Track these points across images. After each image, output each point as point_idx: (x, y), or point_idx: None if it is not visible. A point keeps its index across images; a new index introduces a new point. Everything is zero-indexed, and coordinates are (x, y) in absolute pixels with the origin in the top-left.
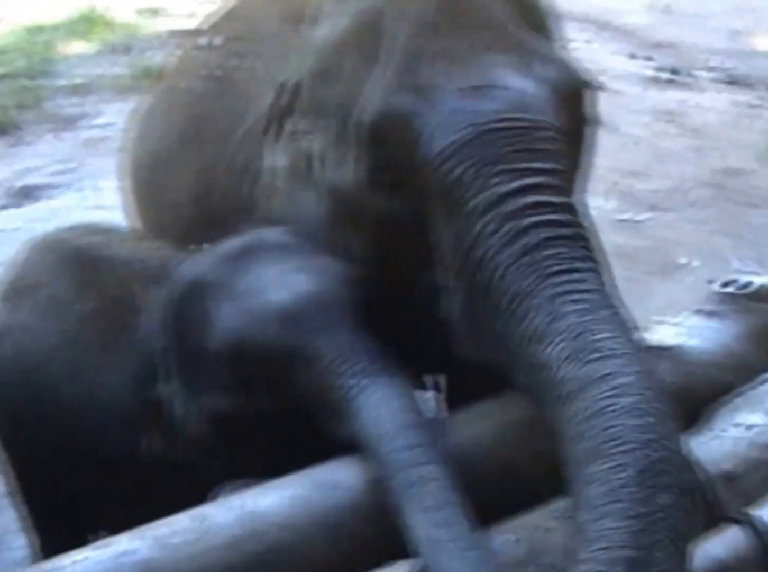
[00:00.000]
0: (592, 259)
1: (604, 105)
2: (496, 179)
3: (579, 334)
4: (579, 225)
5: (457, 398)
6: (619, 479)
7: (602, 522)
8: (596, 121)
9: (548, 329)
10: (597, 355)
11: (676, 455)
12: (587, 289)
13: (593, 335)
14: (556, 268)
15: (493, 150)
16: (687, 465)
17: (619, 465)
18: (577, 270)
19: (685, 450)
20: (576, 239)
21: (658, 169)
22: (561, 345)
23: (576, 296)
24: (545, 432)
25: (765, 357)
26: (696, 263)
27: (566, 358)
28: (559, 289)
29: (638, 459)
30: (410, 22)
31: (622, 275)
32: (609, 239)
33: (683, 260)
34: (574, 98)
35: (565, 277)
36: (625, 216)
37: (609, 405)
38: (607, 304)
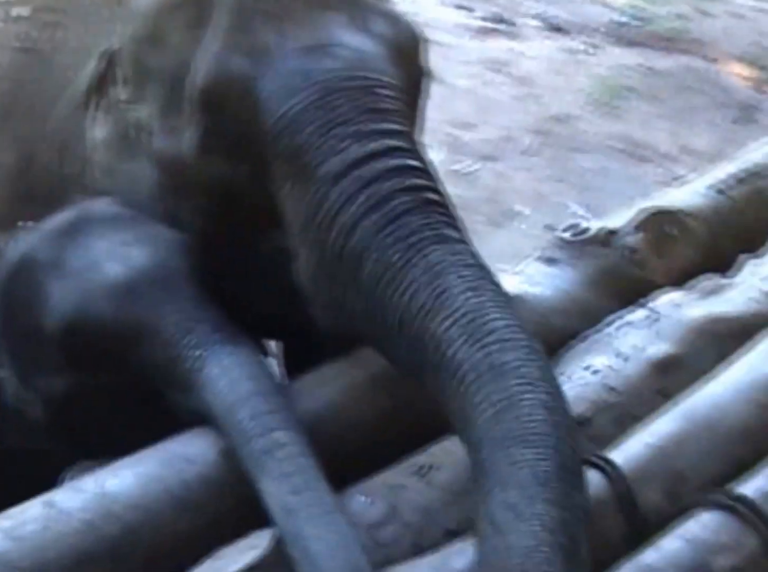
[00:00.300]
0: (458, 226)
1: (433, 57)
2: (346, 144)
3: (473, 317)
4: (437, 189)
5: (294, 363)
6: (545, 469)
7: (536, 505)
8: (427, 75)
9: (434, 306)
10: (496, 342)
11: (579, 455)
12: (465, 261)
13: (486, 316)
14: (426, 237)
15: (338, 112)
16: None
17: (543, 456)
18: (448, 239)
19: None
20: (440, 205)
21: (488, 118)
22: (453, 326)
23: (456, 269)
24: (393, 390)
25: (607, 301)
26: (530, 210)
27: (461, 341)
28: (435, 261)
29: (557, 454)
30: None
31: None
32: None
33: (517, 208)
34: (410, 54)
35: (438, 247)
36: (458, 167)
37: (521, 397)
38: (487, 277)
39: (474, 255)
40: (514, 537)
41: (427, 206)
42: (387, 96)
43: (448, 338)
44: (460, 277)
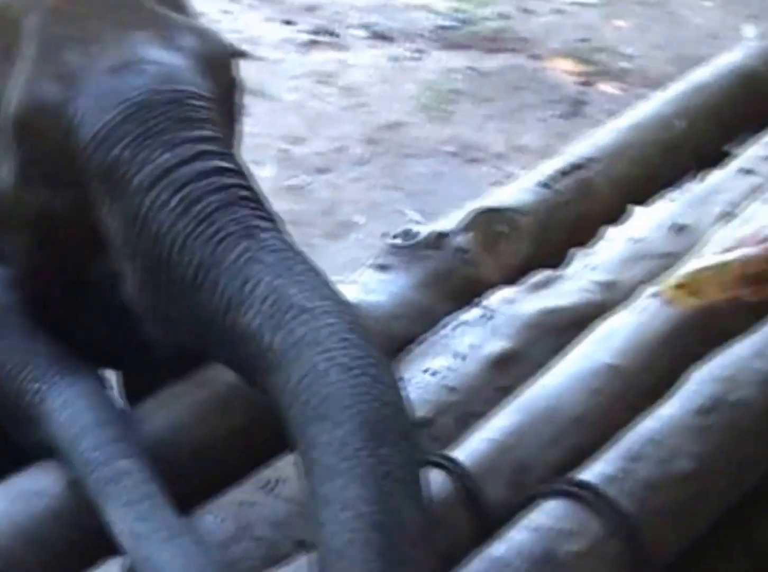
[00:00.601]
0: (268, 218)
1: (260, 73)
2: (158, 153)
3: (277, 297)
4: (248, 187)
5: (135, 391)
6: (352, 443)
7: (344, 488)
8: (246, 88)
9: (243, 296)
10: (301, 317)
11: (399, 410)
12: (273, 249)
13: (292, 296)
14: (236, 232)
15: (149, 125)
16: (408, 416)
17: (348, 430)
18: (257, 231)
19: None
20: (248, 201)
21: (318, 131)
22: (262, 312)
23: (263, 258)
24: (239, 406)
25: (442, 303)
26: (366, 220)
27: (270, 325)
28: (244, 253)
29: (365, 421)
30: (44, 10)
31: (296, 241)
32: (278, 206)
33: (353, 219)
34: (220, 65)
35: (247, 241)
36: (292, 182)
37: (323, 368)
38: (296, 260)
39: (281, 241)
40: (328, 522)
41: (236, 203)
42: (197, 106)
43: (257, 327)
44: (264, 265)
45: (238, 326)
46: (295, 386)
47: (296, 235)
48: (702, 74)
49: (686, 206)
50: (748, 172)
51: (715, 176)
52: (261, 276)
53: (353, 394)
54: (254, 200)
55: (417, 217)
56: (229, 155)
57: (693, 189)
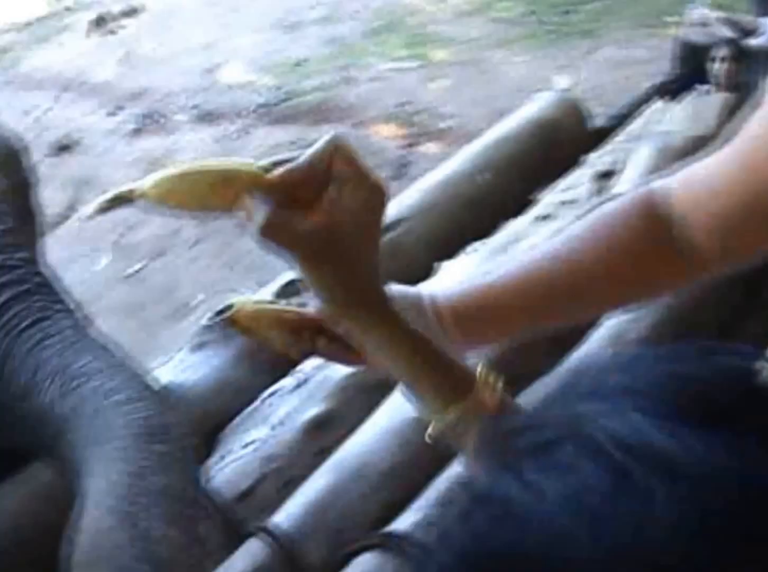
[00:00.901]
0: (58, 302)
1: (91, 163)
2: None
3: (64, 373)
4: (37, 276)
5: None
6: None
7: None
8: (77, 179)
9: (36, 380)
10: (83, 384)
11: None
12: (61, 329)
13: (76, 369)
14: (25, 323)
15: None
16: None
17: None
18: (46, 318)
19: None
20: (38, 290)
21: (152, 216)
22: (50, 389)
23: (52, 340)
24: (56, 501)
25: (258, 375)
26: (204, 299)
27: (58, 397)
28: (33, 340)
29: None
30: None
31: (132, 328)
32: (116, 294)
33: (192, 300)
34: (8, 163)
35: (36, 327)
36: (129, 269)
37: (100, 412)
38: (82, 339)
39: (70, 321)
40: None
41: (24, 295)
42: None
43: (48, 405)
44: (52, 346)
45: (34, 407)
46: (77, 430)
47: (135, 321)
48: (502, 127)
49: (490, 256)
50: (546, 217)
51: (516, 224)
52: (50, 359)
53: (123, 425)
54: (41, 287)
55: (249, 291)
56: (15, 247)
57: (496, 239)
